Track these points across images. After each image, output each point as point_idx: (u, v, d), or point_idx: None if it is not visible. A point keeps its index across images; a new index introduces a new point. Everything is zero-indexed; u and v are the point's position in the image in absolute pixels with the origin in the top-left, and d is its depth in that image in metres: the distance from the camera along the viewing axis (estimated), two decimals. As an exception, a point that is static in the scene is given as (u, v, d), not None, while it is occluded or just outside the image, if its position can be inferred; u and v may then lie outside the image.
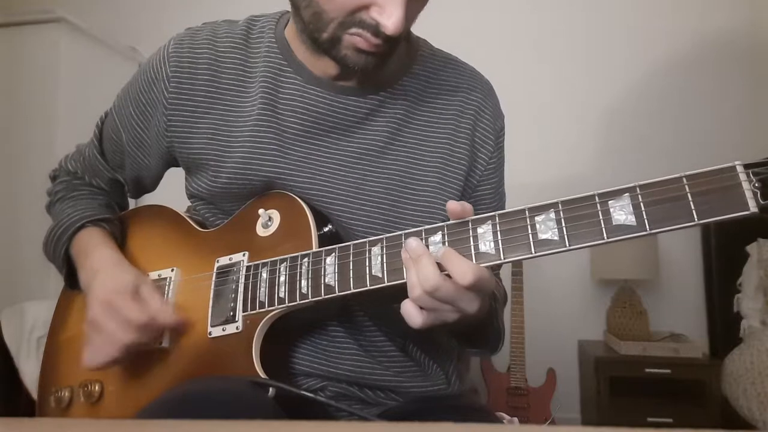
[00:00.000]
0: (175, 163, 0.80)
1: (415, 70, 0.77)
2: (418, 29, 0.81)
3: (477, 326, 0.72)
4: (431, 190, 0.74)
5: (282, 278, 0.66)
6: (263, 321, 0.66)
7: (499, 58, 2.54)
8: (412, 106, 0.76)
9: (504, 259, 0.55)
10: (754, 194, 0.47)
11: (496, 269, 0.81)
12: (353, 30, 0.62)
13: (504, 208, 0.63)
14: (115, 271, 0.72)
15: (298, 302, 0.64)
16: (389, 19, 0.60)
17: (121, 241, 0.82)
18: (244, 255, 0.71)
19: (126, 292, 0.68)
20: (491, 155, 0.78)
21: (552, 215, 0.54)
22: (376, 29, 0.61)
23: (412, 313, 0.58)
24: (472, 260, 0.56)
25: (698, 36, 2.44)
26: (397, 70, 0.76)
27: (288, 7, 0.72)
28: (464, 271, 0.54)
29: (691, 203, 0.49)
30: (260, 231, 0.71)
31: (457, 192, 0.76)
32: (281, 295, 0.65)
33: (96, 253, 0.75)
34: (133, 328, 0.65)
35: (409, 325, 0.58)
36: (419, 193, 0.74)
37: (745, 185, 0.47)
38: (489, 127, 0.78)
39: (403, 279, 0.58)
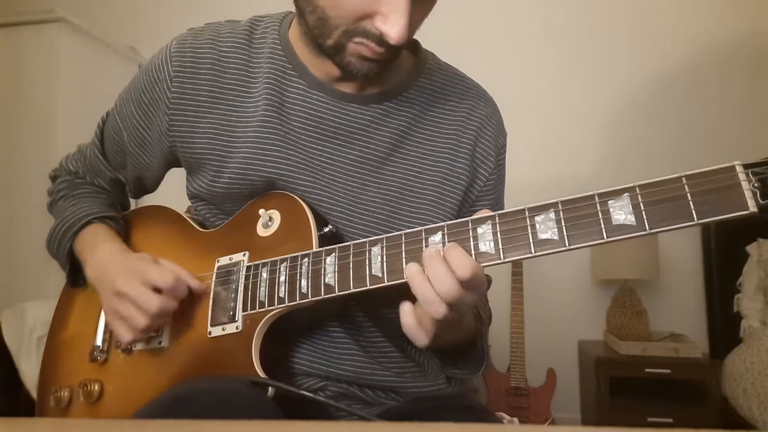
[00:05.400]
0: (177, 164, 0.80)
1: (420, 83, 0.77)
2: (421, 34, 0.81)
3: (463, 346, 0.72)
4: (429, 203, 0.74)
5: (282, 278, 0.66)
6: (263, 321, 0.66)
7: (503, 59, 2.54)
8: (415, 119, 0.76)
9: (504, 258, 0.55)
10: (754, 194, 0.47)
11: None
12: (357, 39, 0.63)
13: None
14: (127, 255, 0.73)
15: (297, 302, 0.64)
16: (393, 28, 0.60)
17: (124, 240, 0.82)
18: (244, 255, 0.71)
19: (150, 260, 0.69)
20: (491, 172, 0.78)
21: (552, 215, 0.54)
22: (380, 38, 0.62)
23: (416, 332, 0.58)
24: None
25: (701, 39, 2.44)
26: (403, 81, 0.76)
27: (291, 8, 0.72)
28: (464, 264, 0.54)
29: (691, 203, 0.49)
30: (261, 231, 0.71)
31: (454, 207, 0.76)
32: (281, 294, 0.65)
33: (103, 246, 0.76)
34: (161, 293, 0.66)
35: (403, 327, 0.58)
36: (417, 206, 0.74)
37: (745, 185, 0.47)
38: (491, 143, 0.78)
39: (403, 278, 0.58)
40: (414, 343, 0.60)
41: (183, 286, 0.68)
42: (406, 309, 0.58)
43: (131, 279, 0.67)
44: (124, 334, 0.68)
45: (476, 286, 0.56)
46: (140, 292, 0.66)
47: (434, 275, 0.55)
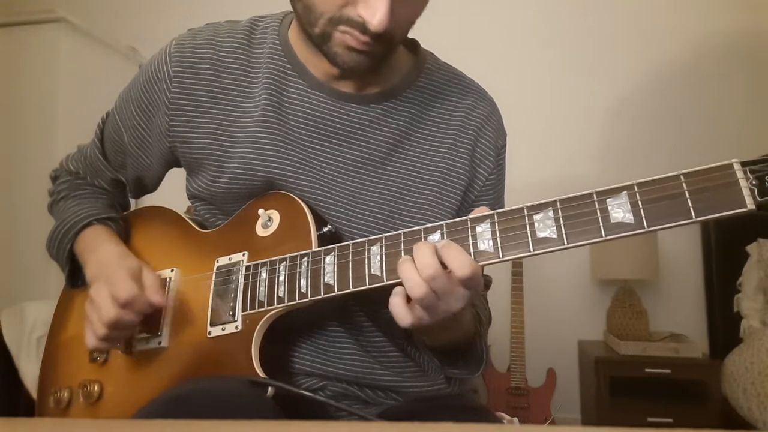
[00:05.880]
0: (177, 164, 0.80)
1: (420, 82, 0.77)
2: (421, 34, 0.81)
3: (462, 346, 0.72)
4: (429, 203, 0.74)
5: (281, 278, 0.66)
6: (262, 320, 0.66)
7: (503, 60, 2.54)
8: (414, 119, 0.76)
9: (503, 257, 0.56)
10: (752, 191, 0.47)
11: (483, 291, 0.82)
12: (341, 27, 0.63)
13: None
14: (122, 260, 0.73)
15: (297, 301, 0.64)
16: (374, 15, 0.60)
17: (124, 241, 0.82)
18: (243, 255, 0.71)
19: (126, 271, 0.68)
20: (491, 172, 0.78)
21: (550, 213, 0.54)
22: (363, 26, 0.62)
23: (401, 311, 0.57)
24: None
25: (700, 38, 2.44)
26: (403, 81, 0.76)
27: (290, 8, 0.72)
28: (463, 263, 0.54)
29: (689, 201, 0.49)
30: (260, 231, 0.72)
31: (454, 207, 0.76)
32: (280, 294, 0.65)
33: (103, 247, 0.76)
34: (117, 304, 0.65)
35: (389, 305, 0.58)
36: (416, 206, 0.74)
37: (743, 182, 0.47)
38: (490, 143, 0.78)
39: None
40: (411, 337, 0.59)
41: (140, 302, 0.67)
42: (397, 289, 0.58)
43: (101, 287, 0.67)
44: (88, 339, 0.68)
45: (474, 284, 0.56)
46: (103, 301, 0.66)
47: (419, 260, 0.55)
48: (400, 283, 0.58)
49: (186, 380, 0.67)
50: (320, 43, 0.66)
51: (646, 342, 2.09)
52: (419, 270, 0.55)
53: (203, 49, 0.74)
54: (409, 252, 0.59)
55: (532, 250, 0.54)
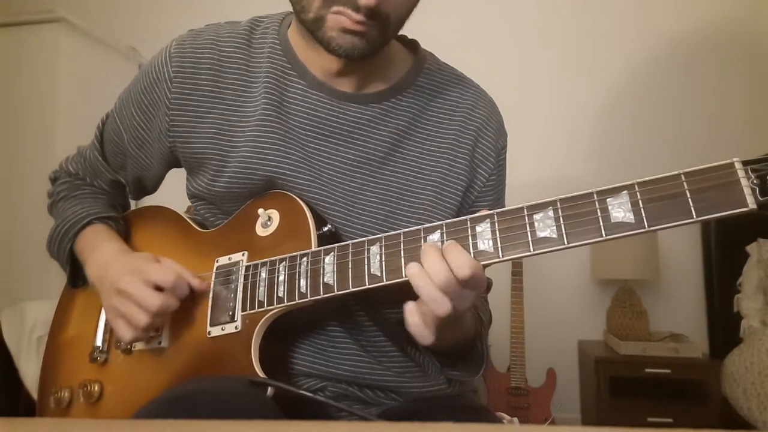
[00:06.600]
0: (177, 164, 0.80)
1: (420, 82, 0.77)
2: (421, 34, 0.81)
3: (462, 346, 0.72)
4: (428, 203, 0.74)
5: (281, 278, 0.66)
6: (262, 320, 0.66)
7: (502, 59, 2.54)
8: (414, 118, 0.76)
9: (502, 257, 0.55)
10: (753, 191, 0.47)
11: (484, 293, 0.82)
12: (335, 8, 0.63)
13: None
14: (129, 255, 0.73)
15: (297, 301, 0.64)
16: None
17: (124, 240, 0.82)
18: (243, 255, 0.71)
19: (150, 259, 0.69)
20: (491, 172, 0.78)
21: (551, 213, 0.54)
22: (355, 4, 0.62)
23: (422, 330, 0.58)
24: None
25: (698, 34, 2.44)
26: (402, 81, 0.76)
27: (290, 8, 0.72)
28: (462, 263, 0.54)
29: (690, 200, 0.49)
30: (260, 231, 0.72)
31: (453, 207, 0.76)
32: (280, 294, 0.65)
33: (104, 246, 0.76)
34: (162, 291, 0.66)
35: (407, 326, 0.58)
36: (416, 206, 0.74)
37: (744, 182, 0.47)
38: (491, 144, 0.78)
39: (402, 277, 0.58)
40: (418, 342, 0.60)
41: (184, 284, 0.68)
42: (410, 308, 0.58)
43: (133, 278, 0.67)
44: (125, 333, 0.68)
45: (475, 285, 0.56)
46: (141, 291, 0.66)
47: (431, 268, 0.55)
48: (399, 284, 0.58)
49: (186, 380, 0.67)
50: (315, 29, 0.65)
51: (646, 342, 2.09)
52: (432, 277, 0.55)
53: (204, 49, 0.74)
54: (409, 252, 0.59)
55: (532, 249, 0.54)
